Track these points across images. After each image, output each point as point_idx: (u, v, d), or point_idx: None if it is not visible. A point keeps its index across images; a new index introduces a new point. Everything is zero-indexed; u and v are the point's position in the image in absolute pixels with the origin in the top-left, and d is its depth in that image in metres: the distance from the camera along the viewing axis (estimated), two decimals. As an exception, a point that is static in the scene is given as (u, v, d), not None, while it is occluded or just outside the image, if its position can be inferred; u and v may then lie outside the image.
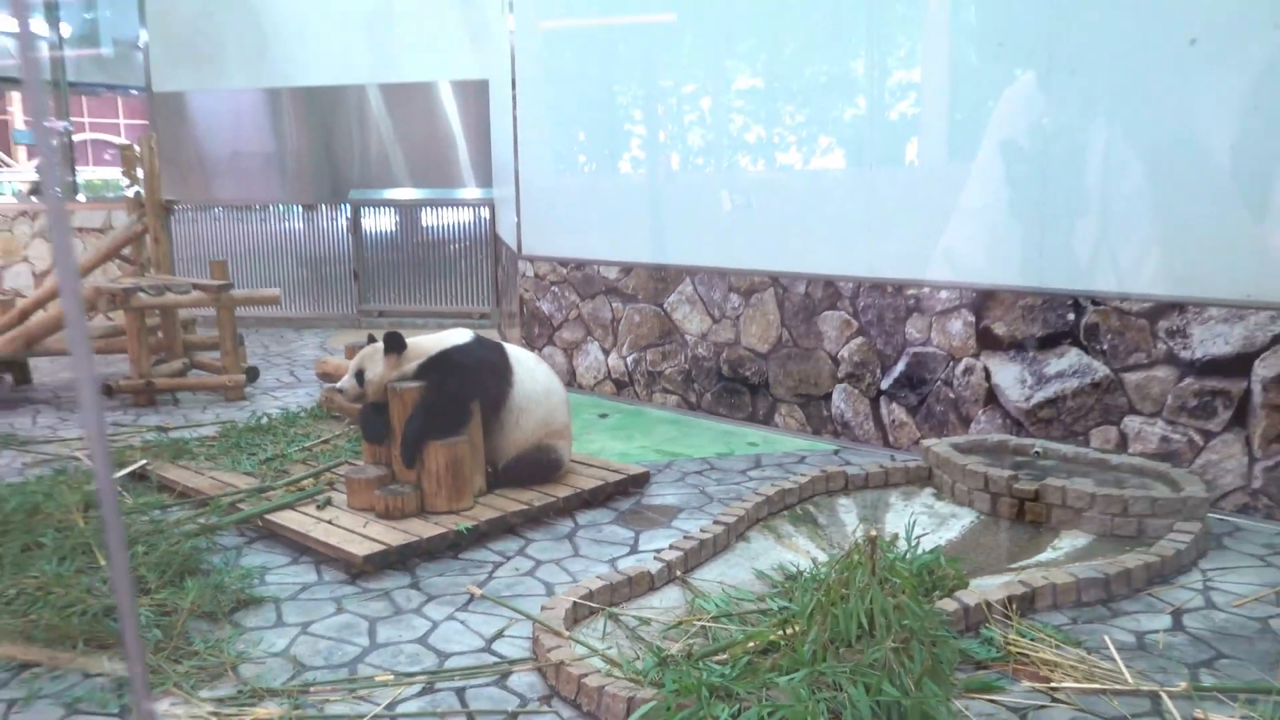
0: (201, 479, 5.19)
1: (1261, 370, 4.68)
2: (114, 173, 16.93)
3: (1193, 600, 3.93)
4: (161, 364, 7.55)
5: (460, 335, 4.97)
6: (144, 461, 5.39)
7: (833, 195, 6.10)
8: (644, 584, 4.02)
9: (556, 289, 7.47)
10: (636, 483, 5.26)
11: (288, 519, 4.59)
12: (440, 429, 4.67)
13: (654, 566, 4.11)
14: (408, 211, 10.64)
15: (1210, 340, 4.79)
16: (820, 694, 2.96)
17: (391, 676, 3.41)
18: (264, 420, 6.27)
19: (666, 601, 3.94)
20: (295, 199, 10.95)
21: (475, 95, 10.39)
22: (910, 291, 5.78)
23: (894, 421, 5.91)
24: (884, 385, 5.94)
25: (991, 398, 5.52)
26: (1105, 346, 5.10)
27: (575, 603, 3.75)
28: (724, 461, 5.78)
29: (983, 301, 5.50)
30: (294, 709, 3.21)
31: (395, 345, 4.79)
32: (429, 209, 10.58)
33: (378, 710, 3.20)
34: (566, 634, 3.54)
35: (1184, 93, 4.79)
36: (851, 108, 5.99)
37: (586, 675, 3.24)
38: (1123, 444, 5.09)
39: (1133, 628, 3.70)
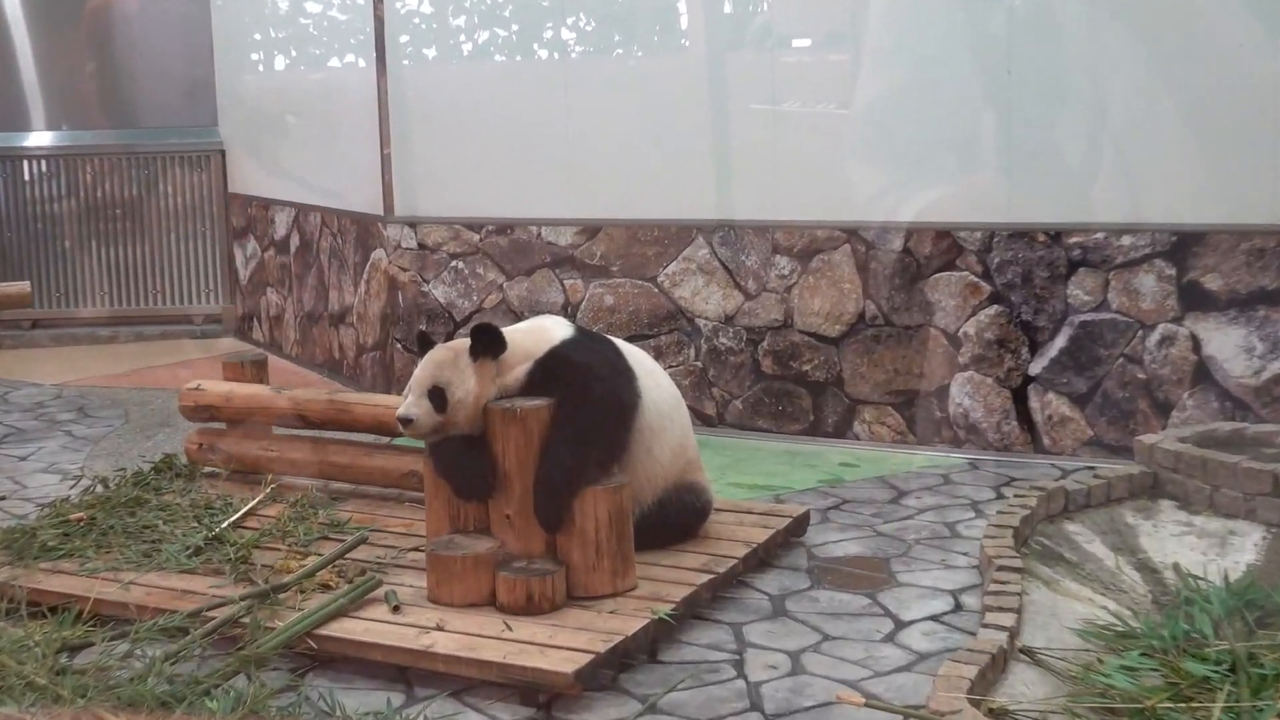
0: (111, 587, 2.61)
1: None
2: None
3: None
4: None
5: (556, 324, 2.91)
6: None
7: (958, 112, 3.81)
8: (1000, 664, 2.27)
9: (460, 265, 4.30)
10: (799, 527, 3.17)
11: (368, 632, 2.38)
12: (596, 464, 2.66)
13: (994, 639, 2.32)
14: (69, 164, 6.25)
15: None
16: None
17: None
18: (99, 489, 3.19)
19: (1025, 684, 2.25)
20: None
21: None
22: (1074, 239, 3.65)
23: (1051, 418, 3.72)
24: (1034, 371, 3.73)
25: (1203, 374, 3.55)
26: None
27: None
28: (848, 490, 3.60)
29: (1185, 247, 3.51)
30: None
31: (492, 346, 2.61)
32: (104, 160, 6.25)
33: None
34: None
35: None
36: None
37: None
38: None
39: None
